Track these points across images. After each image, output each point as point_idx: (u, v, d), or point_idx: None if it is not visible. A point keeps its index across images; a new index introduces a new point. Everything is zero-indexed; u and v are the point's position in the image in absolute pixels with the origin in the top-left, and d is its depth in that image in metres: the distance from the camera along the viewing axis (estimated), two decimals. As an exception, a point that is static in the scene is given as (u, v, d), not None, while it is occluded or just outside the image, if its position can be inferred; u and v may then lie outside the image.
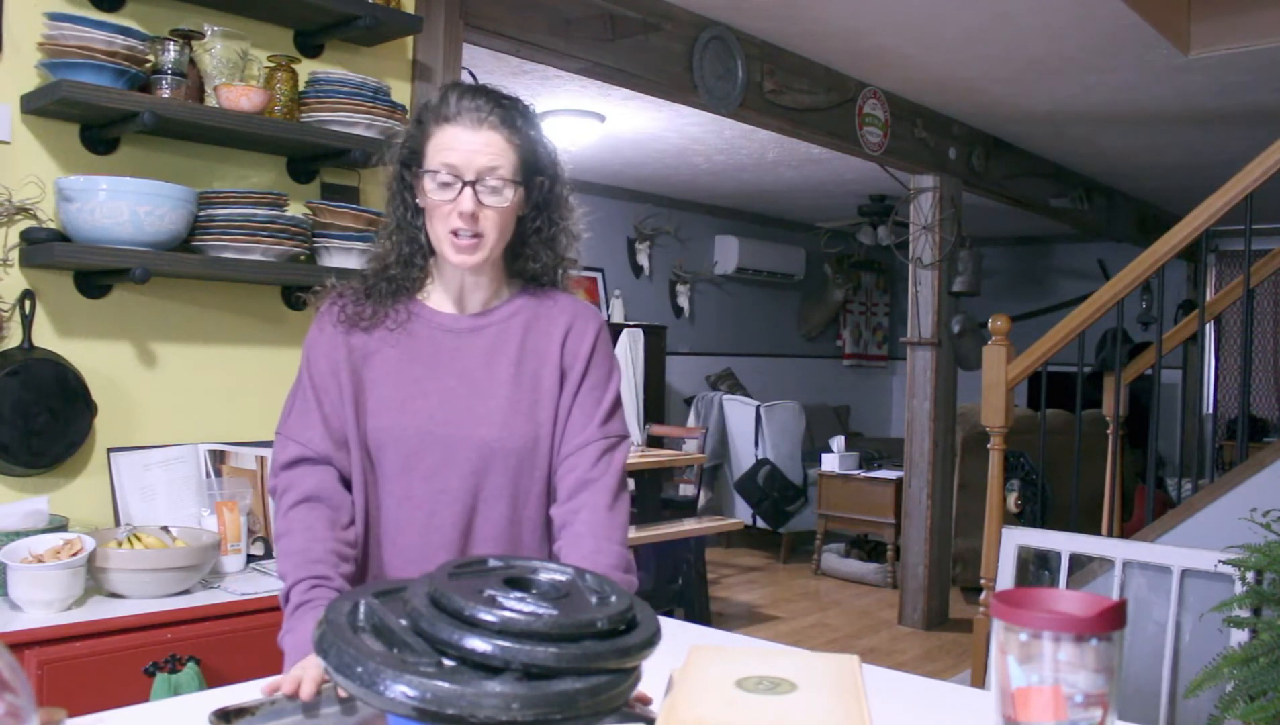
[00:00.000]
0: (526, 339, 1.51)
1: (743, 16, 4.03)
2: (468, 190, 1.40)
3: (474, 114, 1.42)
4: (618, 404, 1.55)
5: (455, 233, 1.42)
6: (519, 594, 1.00)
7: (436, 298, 1.52)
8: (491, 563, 1.11)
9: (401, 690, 0.89)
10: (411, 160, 1.47)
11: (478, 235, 1.42)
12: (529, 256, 1.53)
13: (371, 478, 1.46)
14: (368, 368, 1.47)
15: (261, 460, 2.48)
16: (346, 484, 1.47)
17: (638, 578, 1.48)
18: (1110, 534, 3.77)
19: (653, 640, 1.01)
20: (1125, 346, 4.03)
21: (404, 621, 1.00)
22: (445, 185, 1.41)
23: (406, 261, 1.50)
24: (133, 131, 2.23)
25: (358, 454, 1.46)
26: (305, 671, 1.20)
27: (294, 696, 1.18)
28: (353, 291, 1.51)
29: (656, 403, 7.04)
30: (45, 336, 2.22)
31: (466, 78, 2.94)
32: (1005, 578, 2.67)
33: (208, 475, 2.39)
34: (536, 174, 1.48)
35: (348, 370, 1.46)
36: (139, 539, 2.09)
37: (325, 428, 1.45)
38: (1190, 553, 2.49)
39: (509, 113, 1.45)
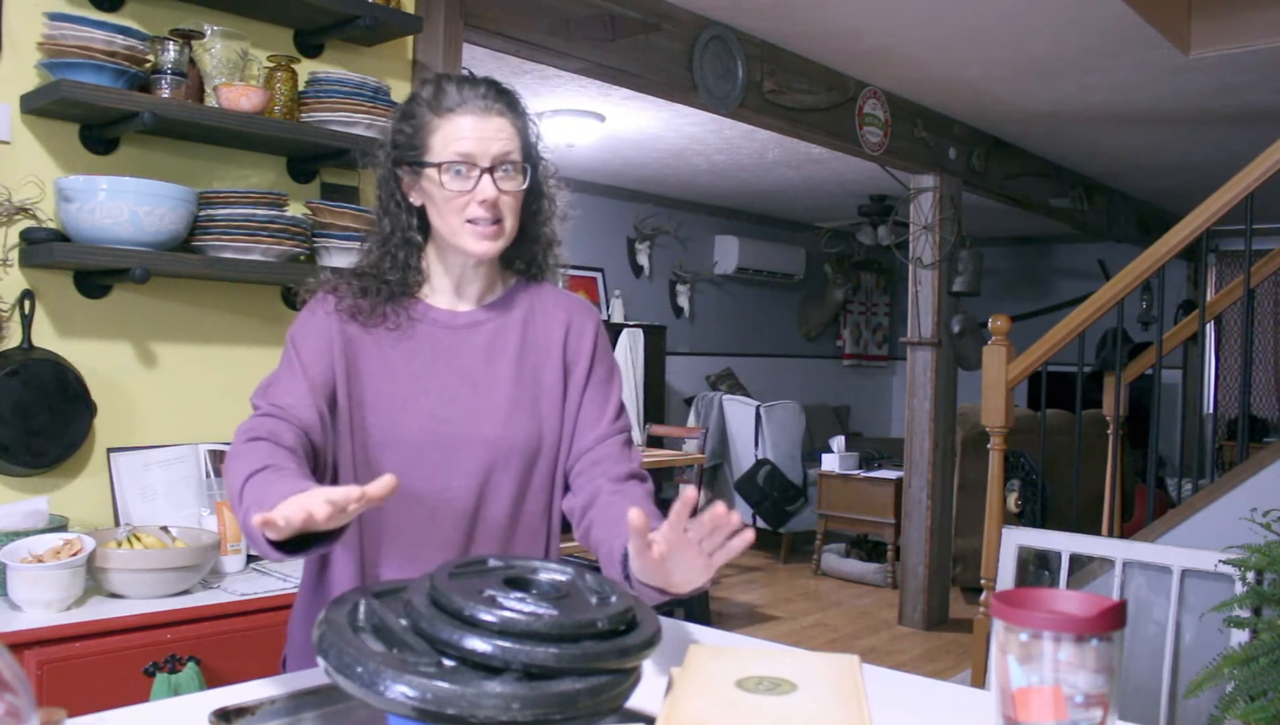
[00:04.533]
0: (525, 335, 1.51)
1: (743, 16, 4.03)
2: (486, 177, 1.40)
3: (481, 101, 1.42)
4: (622, 402, 1.57)
5: (473, 222, 1.41)
6: (519, 594, 1.00)
7: (432, 293, 1.51)
8: (491, 563, 1.11)
9: (401, 690, 0.89)
10: (409, 157, 1.44)
11: (498, 221, 1.42)
12: (529, 239, 1.53)
13: (372, 476, 1.42)
14: (363, 361, 1.45)
15: (261, 460, 2.47)
16: (313, 458, 1.38)
17: None
18: (1110, 534, 3.77)
19: (653, 640, 1.01)
20: (1125, 346, 4.03)
21: (404, 621, 1.00)
22: (460, 175, 1.40)
23: (403, 266, 1.48)
24: (133, 131, 2.23)
25: (349, 448, 1.43)
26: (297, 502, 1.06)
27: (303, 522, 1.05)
28: (349, 288, 1.48)
29: (656, 403, 7.04)
30: (45, 336, 2.22)
31: (466, 78, 2.94)
32: (1005, 578, 2.67)
33: (208, 475, 2.39)
34: (535, 160, 1.49)
35: (343, 358, 1.43)
36: (139, 539, 2.09)
37: (311, 399, 1.38)
38: (1190, 553, 2.49)
39: (511, 98, 1.46)
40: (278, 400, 1.37)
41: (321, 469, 1.41)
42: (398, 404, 1.44)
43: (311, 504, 1.06)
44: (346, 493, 1.07)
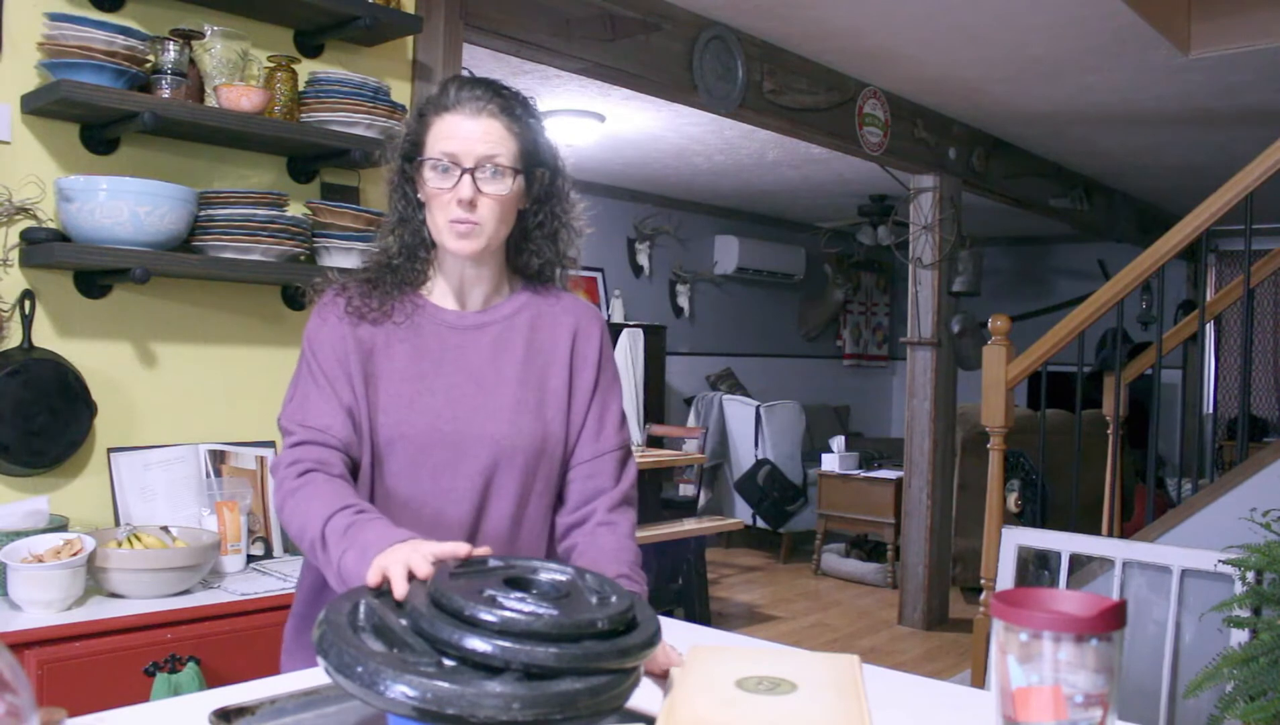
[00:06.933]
0: (532, 337, 1.51)
1: (743, 16, 4.03)
2: (466, 177, 1.40)
3: (473, 103, 1.43)
4: (623, 411, 1.59)
5: (453, 220, 1.42)
6: (519, 594, 1.00)
7: (439, 294, 1.52)
8: (492, 563, 1.11)
9: (401, 690, 0.89)
10: (412, 153, 1.47)
11: (476, 222, 1.42)
12: (531, 252, 1.53)
13: (378, 474, 1.45)
14: (374, 362, 1.46)
15: (261, 460, 2.48)
16: (354, 474, 1.43)
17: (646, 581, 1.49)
18: (1110, 534, 3.77)
19: (653, 640, 1.01)
20: (1125, 346, 4.03)
21: (404, 621, 1.00)
22: (444, 172, 1.41)
23: (409, 253, 1.50)
24: (133, 131, 2.23)
25: (367, 448, 1.45)
26: (392, 565, 1.11)
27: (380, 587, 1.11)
28: (356, 284, 1.50)
29: (656, 403, 7.03)
30: (45, 336, 2.22)
31: (466, 78, 2.94)
32: (1005, 578, 2.67)
33: (208, 475, 2.39)
34: (537, 165, 1.48)
35: (356, 362, 1.44)
36: (139, 539, 2.09)
37: (346, 416, 1.41)
38: (1190, 553, 2.49)
39: (508, 102, 1.45)
40: (315, 422, 1.40)
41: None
42: (404, 402, 1.45)
43: (414, 561, 1.11)
44: (454, 549, 1.14)
